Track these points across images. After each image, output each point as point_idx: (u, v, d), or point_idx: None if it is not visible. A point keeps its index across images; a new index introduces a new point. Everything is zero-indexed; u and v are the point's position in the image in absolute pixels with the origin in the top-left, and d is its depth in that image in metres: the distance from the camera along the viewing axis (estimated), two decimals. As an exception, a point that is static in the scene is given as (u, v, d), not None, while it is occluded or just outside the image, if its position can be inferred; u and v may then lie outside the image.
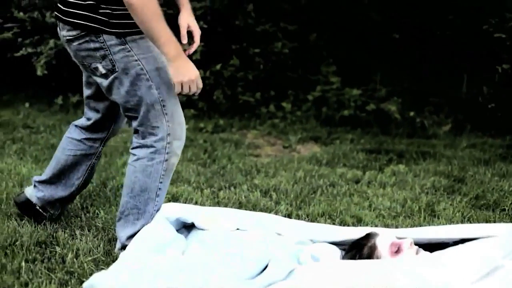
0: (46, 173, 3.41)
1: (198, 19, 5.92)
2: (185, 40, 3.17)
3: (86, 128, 3.37)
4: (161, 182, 3.11)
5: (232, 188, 4.13)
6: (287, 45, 6.36)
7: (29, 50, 6.12)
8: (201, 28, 5.87)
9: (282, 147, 5.44)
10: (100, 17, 2.93)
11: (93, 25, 2.94)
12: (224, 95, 6.21)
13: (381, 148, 5.34)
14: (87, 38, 2.97)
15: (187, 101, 6.06)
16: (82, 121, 3.40)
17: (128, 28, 2.95)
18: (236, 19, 6.24)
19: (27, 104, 6.39)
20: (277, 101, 6.27)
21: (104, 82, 3.04)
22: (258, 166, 4.68)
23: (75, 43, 3.02)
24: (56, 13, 3.09)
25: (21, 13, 6.16)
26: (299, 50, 6.50)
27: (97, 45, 2.97)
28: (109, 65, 2.99)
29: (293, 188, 4.16)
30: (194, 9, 5.97)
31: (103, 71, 3.01)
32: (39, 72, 5.99)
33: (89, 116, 3.35)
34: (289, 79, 6.45)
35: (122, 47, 2.96)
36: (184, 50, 2.99)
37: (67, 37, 3.03)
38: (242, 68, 6.24)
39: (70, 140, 3.38)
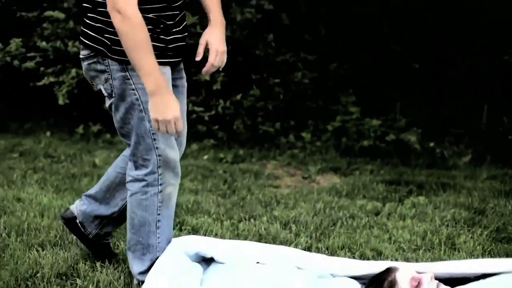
0: (95, 188, 3.37)
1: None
2: (198, 58, 3.13)
3: None
4: (159, 214, 3.07)
5: (252, 220, 4.13)
6: (307, 75, 6.38)
7: (51, 79, 6.18)
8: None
9: (301, 178, 5.44)
10: (105, 41, 2.95)
11: (100, 47, 2.96)
12: (244, 125, 6.23)
13: (401, 179, 5.32)
14: (95, 59, 2.99)
15: (207, 131, 6.10)
16: None
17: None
18: (257, 49, 6.27)
19: (48, 133, 6.44)
20: (296, 131, 6.28)
21: (107, 104, 3.07)
22: (278, 197, 4.68)
23: (85, 62, 3.05)
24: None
25: (44, 43, 6.23)
26: (319, 80, 6.51)
27: (102, 67, 2.99)
28: (109, 89, 3.00)
29: (313, 220, 4.15)
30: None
31: (105, 93, 3.03)
32: (60, 101, 6.05)
33: None
34: (308, 109, 6.46)
35: (123, 74, 2.96)
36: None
37: (81, 56, 3.08)
38: (262, 98, 6.26)
39: (124, 158, 3.30)
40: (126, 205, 3.20)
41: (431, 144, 6.13)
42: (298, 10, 6.72)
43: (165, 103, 2.83)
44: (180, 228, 3.91)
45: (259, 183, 5.12)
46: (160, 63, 2.90)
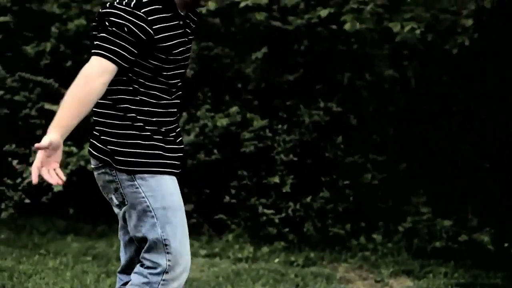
0: None
1: (288, 152, 6.10)
2: None
3: None
4: None
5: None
6: (376, 176, 6.38)
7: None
8: (290, 161, 6.02)
9: (374, 281, 5.37)
10: (110, 152, 3.00)
11: (106, 158, 3.01)
12: (314, 227, 6.21)
13: (476, 282, 5.22)
14: (103, 170, 3.03)
15: (277, 234, 6.10)
16: None
17: (137, 166, 3.00)
18: (326, 151, 6.32)
19: (121, 236, 6.52)
20: (367, 233, 6.23)
21: (119, 213, 3.10)
22: (352, 302, 4.63)
23: (95, 173, 3.10)
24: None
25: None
26: (388, 181, 6.50)
27: (110, 178, 3.02)
28: (120, 198, 3.04)
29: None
30: (284, 141, 6.14)
31: (117, 202, 3.06)
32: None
33: None
34: (379, 210, 6.43)
35: (131, 183, 3.00)
36: None
37: (92, 166, 3.12)
38: (331, 200, 6.26)
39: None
40: None
41: (506, 245, 6.01)
42: (366, 110, 6.78)
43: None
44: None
45: (331, 287, 5.07)
46: (168, 173, 3.03)
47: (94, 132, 3.09)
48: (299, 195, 6.20)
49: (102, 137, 3.03)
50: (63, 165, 6.41)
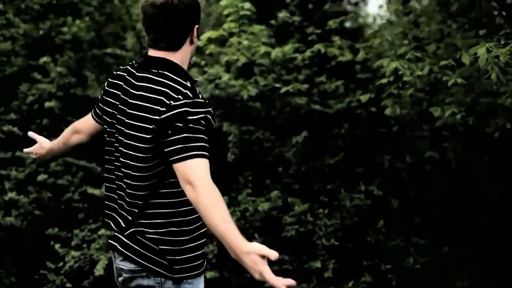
0: None
1: (329, 236, 6.07)
2: None
3: None
4: None
5: None
6: (418, 260, 6.31)
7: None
8: (332, 245, 5.98)
9: None
10: (163, 261, 2.89)
11: (154, 267, 2.90)
12: (356, 312, 6.14)
13: None
14: (143, 274, 2.91)
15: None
16: None
17: (189, 272, 2.93)
18: (367, 235, 6.28)
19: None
20: (410, 318, 6.15)
21: None
22: None
23: (126, 275, 2.97)
24: (111, 241, 3.04)
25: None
26: (431, 264, 6.42)
27: (151, 283, 2.91)
28: None
29: None
30: (326, 226, 6.11)
31: None
32: None
33: None
34: (422, 295, 6.35)
35: (176, 286, 2.91)
36: None
37: (120, 265, 2.98)
38: (374, 285, 6.18)
39: None
40: None
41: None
42: (407, 193, 6.76)
43: (252, 260, 2.54)
44: None
45: None
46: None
47: (138, 236, 2.92)
48: (341, 280, 6.14)
49: (154, 246, 2.89)
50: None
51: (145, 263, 2.90)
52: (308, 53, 6.60)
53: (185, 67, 2.94)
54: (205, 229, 2.98)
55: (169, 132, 2.72)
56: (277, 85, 6.46)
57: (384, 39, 6.66)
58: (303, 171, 6.50)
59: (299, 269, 6.05)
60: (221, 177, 6.44)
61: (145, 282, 2.92)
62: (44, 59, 6.78)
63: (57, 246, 5.83)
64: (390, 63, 5.16)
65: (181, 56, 2.93)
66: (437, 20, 6.93)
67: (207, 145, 2.74)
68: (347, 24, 9.12)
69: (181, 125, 2.71)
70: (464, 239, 6.59)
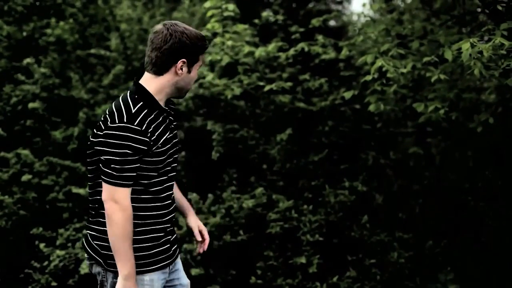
0: None
1: (314, 232, 6.10)
2: (199, 238, 3.68)
3: None
4: None
5: None
6: (403, 254, 6.34)
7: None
8: (316, 241, 6.00)
9: None
10: (99, 256, 3.36)
11: (98, 258, 3.37)
12: (342, 307, 6.17)
13: None
14: (93, 262, 3.42)
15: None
16: None
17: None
18: (352, 231, 6.31)
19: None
20: (396, 312, 6.18)
21: None
22: None
23: (87, 262, 3.48)
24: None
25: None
26: (415, 258, 6.45)
27: (98, 270, 3.39)
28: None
29: None
30: (310, 222, 6.13)
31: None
32: None
33: None
34: (406, 289, 6.38)
35: (115, 280, 3.31)
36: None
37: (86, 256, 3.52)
38: (358, 279, 6.21)
39: None
40: None
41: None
42: (391, 189, 6.79)
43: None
44: None
45: None
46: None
47: (91, 232, 3.39)
48: (326, 275, 6.16)
49: (97, 242, 3.34)
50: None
51: (92, 253, 3.39)
52: (291, 51, 6.62)
53: (161, 94, 3.24)
54: (143, 232, 3.34)
55: (98, 150, 3.22)
56: (261, 83, 6.48)
57: (367, 37, 6.70)
58: (288, 168, 6.53)
59: (284, 265, 6.07)
60: (206, 175, 6.47)
61: (93, 269, 3.42)
62: (27, 60, 6.79)
63: (42, 245, 5.85)
64: (376, 62, 5.19)
65: (160, 82, 3.23)
66: (421, 17, 6.98)
67: (129, 174, 3.14)
68: (331, 23, 9.16)
69: (107, 149, 3.13)
70: (448, 233, 6.63)
